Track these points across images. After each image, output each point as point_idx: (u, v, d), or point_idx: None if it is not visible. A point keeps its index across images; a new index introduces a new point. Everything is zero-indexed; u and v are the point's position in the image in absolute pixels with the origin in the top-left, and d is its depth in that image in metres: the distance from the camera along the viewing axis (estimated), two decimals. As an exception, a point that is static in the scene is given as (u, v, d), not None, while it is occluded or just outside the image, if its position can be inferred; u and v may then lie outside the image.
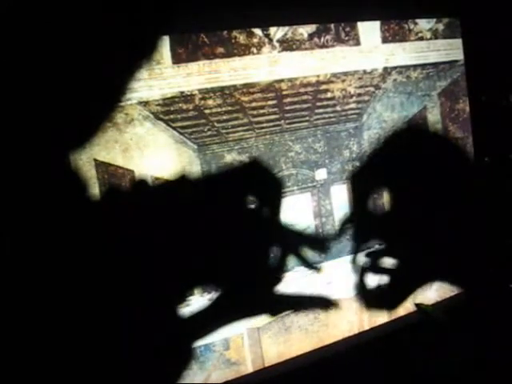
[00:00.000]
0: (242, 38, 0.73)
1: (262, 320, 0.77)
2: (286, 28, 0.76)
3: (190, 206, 0.33)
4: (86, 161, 0.65)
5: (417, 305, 0.81)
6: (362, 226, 0.73)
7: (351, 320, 0.83)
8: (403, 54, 0.86)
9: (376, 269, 0.74)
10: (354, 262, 0.52)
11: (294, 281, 0.78)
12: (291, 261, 0.75)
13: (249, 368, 0.76)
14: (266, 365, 0.77)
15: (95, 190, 0.66)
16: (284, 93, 0.76)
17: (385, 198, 0.78)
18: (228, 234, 0.34)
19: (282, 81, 0.76)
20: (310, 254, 0.59)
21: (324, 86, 0.80)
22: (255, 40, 0.74)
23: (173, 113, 0.70)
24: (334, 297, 0.74)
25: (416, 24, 0.86)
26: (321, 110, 0.80)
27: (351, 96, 0.82)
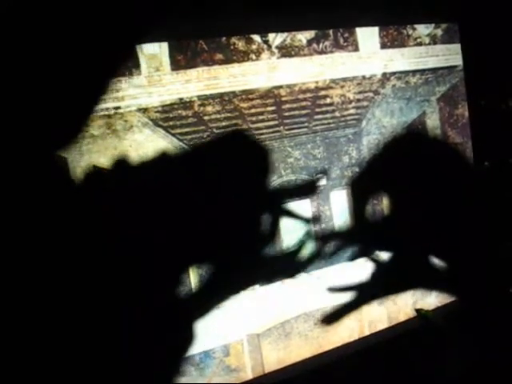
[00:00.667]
0: (240, 45, 0.73)
1: (261, 326, 0.77)
2: (285, 34, 0.76)
3: (180, 180, 0.33)
4: (85, 168, 0.65)
5: (417, 310, 0.81)
6: (363, 231, 0.73)
7: (351, 326, 0.83)
8: (402, 59, 0.86)
9: (376, 272, 0.74)
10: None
11: (295, 286, 0.78)
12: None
13: (249, 374, 0.76)
14: (266, 371, 0.77)
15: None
16: (283, 99, 0.76)
17: (384, 204, 0.78)
18: (219, 200, 0.34)
19: (280, 87, 0.76)
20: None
21: (323, 92, 0.80)
22: (254, 46, 0.74)
23: (172, 119, 0.70)
24: (335, 303, 0.74)
25: (414, 29, 0.86)
26: (320, 116, 0.80)
27: (350, 102, 0.82)
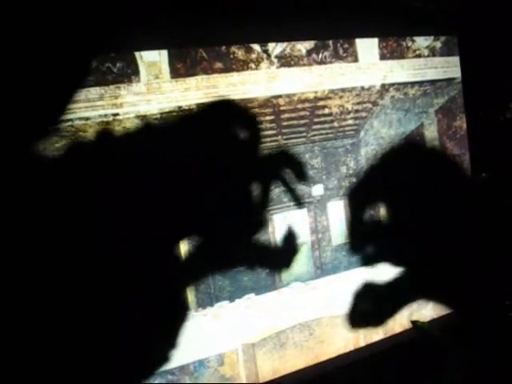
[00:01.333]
0: (240, 54, 0.73)
1: (256, 336, 0.76)
2: (285, 44, 0.76)
3: (172, 148, 0.33)
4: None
5: (413, 322, 0.81)
6: (359, 241, 0.73)
7: (347, 337, 0.82)
8: (401, 70, 0.86)
9: (373, 284, 0.74)
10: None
11: (289, 296, 0.78)
12: (287, 275, 0.75)
13: (243, 384, 0.76)
14: (261, 381, 0.77)
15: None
16: (282, 108, 0.77)
17: (382, 214, 0.78)
18: (210, 171, 0.34)
19: (279, 96, 0.76)
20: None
21: (322, 102, 0.80)
22: (253, 56, 0.74)
23: (170, 127, 0.70)
24: (330, 313, 0.74)
25: (414, 41, 0.87)
26: (318, 126, 0.80)
27: (349, 112, 0.82)
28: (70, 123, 0.64)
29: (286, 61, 0.77)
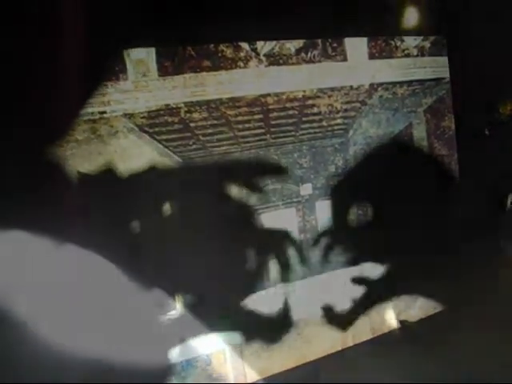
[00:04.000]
0: (228, 52, 0.73)
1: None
2: (273, 42, 0.76)
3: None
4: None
5: (401, 322, 0.81)
6: (343, 240, 0.73)
7: (334, 337, 0.82)
8: (390, 70, 0.86)
9: (358, 283, 0.74)
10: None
11: (277, 297, 0.77)
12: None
13: (231, 384, 0.75)
14: (249, 381, 0.77)
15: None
16: (270, 107, 0.76)
17: (369, 214, 0.78)
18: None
19: (268, 95, 0.76)
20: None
21: (310, 101, 0.80)
22: (242, 54, 0.74)
23: (158, 125, 0.70)
24: (318, 313, 0.73)
25: (403, 41, 0.87)
26: (307, 125, 0.80)
27: (337, 111, 0.82)
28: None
29: (274, 59, 0.76)
